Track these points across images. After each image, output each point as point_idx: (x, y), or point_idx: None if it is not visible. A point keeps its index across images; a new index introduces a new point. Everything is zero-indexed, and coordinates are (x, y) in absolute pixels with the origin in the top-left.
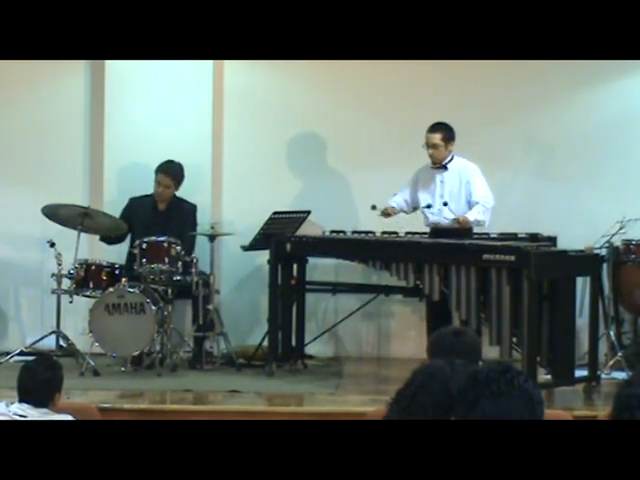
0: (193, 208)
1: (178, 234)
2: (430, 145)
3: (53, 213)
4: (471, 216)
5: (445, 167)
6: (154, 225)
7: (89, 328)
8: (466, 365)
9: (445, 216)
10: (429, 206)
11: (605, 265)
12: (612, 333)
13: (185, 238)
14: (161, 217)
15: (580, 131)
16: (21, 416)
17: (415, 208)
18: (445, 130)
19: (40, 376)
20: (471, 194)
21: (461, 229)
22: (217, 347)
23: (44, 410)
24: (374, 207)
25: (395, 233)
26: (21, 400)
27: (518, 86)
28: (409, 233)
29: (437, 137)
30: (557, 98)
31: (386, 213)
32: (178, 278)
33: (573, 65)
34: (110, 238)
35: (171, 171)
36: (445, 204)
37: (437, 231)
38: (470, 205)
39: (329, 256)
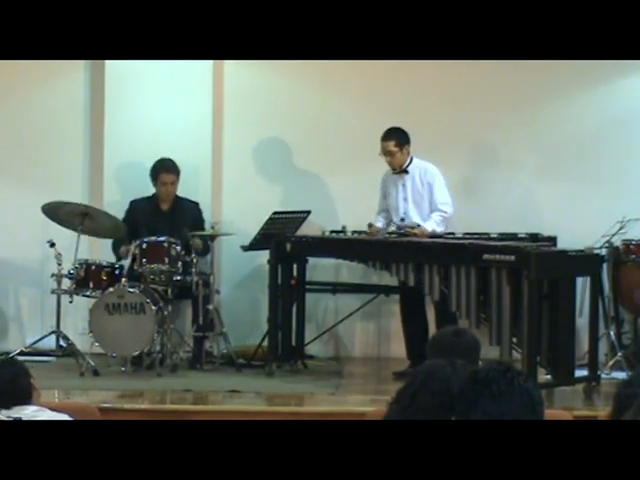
0: (197, 206)
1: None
2: (385, 153)
3: (53, 213)
4: (429, 226)
5: (406, 171)
6: (159, 226)
7: (89, 328)
8: (466, 365)
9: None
10: (403, 219)
11: (605, 265)
12: (612, 333)
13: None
14: (166, 217)
15: (580, 131)
16: (15, 418)
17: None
18: (398, 135)
19: (4, 377)
20: (433, 197)
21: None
22: (217, 347)
23: (34, 408)
24: (370, 225)
25: (395, 233)
26: (1, 407)
27: (518, 86)
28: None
29: (391, 144)
30: (557, 98)
31: (372, 234)
32: (178, 278)
33: (573, 65)
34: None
35: (172, 167)
36: (402, 219)
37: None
38: (432, 207)
39: (329, 256)
